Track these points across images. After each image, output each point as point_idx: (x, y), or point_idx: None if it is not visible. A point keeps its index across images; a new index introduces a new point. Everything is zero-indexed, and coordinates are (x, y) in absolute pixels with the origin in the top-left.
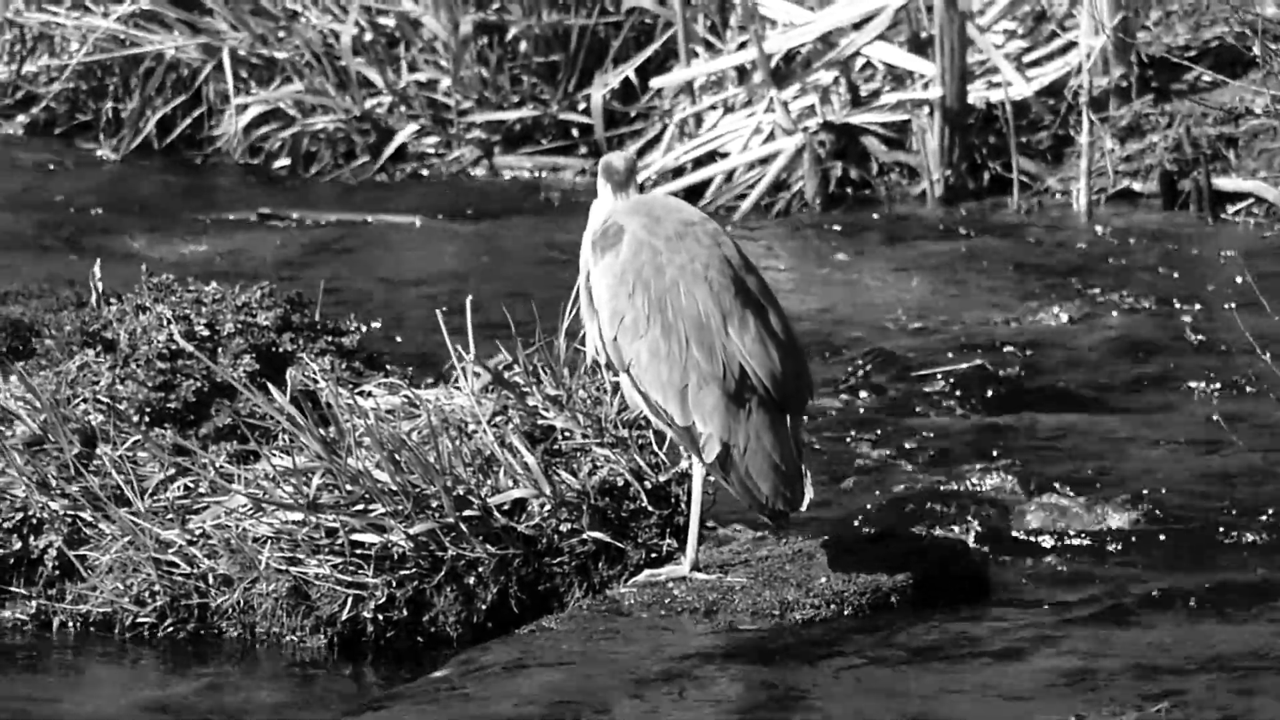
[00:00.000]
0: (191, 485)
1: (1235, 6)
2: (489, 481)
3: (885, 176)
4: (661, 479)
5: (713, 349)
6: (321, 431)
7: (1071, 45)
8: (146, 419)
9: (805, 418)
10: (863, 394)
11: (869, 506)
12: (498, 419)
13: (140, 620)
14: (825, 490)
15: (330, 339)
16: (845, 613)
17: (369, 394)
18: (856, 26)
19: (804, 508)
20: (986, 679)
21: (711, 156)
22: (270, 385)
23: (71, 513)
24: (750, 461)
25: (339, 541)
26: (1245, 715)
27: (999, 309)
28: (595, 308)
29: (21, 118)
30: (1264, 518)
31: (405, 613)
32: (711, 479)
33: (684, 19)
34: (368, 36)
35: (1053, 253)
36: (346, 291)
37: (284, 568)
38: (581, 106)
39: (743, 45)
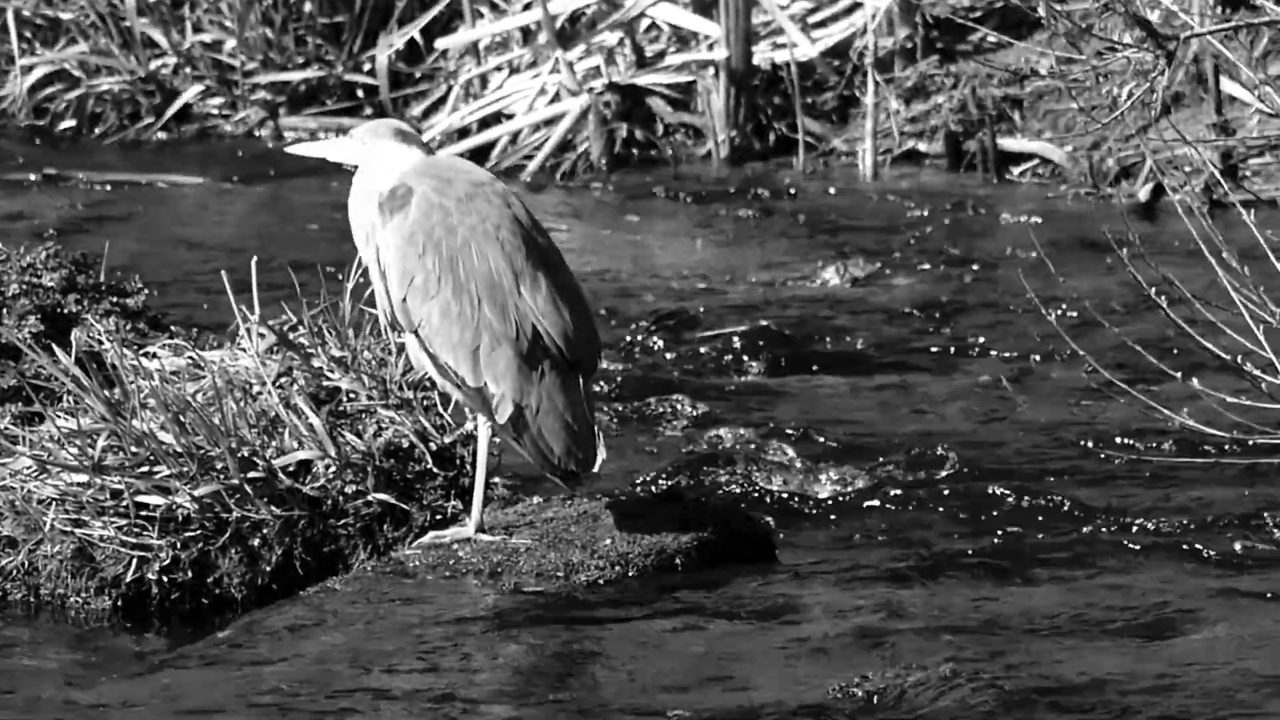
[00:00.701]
0: None
1: None
2: (274, 443)
3: (671, 137)
4: (447, 440)
5: (505, 309)
6: (106, 393)
7: (857, 6)
8: None
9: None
10: (648, 355)
11: (654, 468)
12: (283, 380)
13: None
14: (611, 452)
15: (115, 300)
16: (630, 574)
17: (154, 355)
18: None
19: (596, 468)
20: (771, 640)
21: (497, 117)
22: (55, 346)
23: None
24: (543, 422)
25: (124, 503)
26: (1023, 673)
27: (784, 269)
28: (383, 269)
29: None
30: (1046, 479)
31: (190, 574)
32: (498, 440)
33: None
34: None
35: (838, 213)
36: (132, 253)
37: (69, 529)
38: (367, 67)
39: (528, 6)
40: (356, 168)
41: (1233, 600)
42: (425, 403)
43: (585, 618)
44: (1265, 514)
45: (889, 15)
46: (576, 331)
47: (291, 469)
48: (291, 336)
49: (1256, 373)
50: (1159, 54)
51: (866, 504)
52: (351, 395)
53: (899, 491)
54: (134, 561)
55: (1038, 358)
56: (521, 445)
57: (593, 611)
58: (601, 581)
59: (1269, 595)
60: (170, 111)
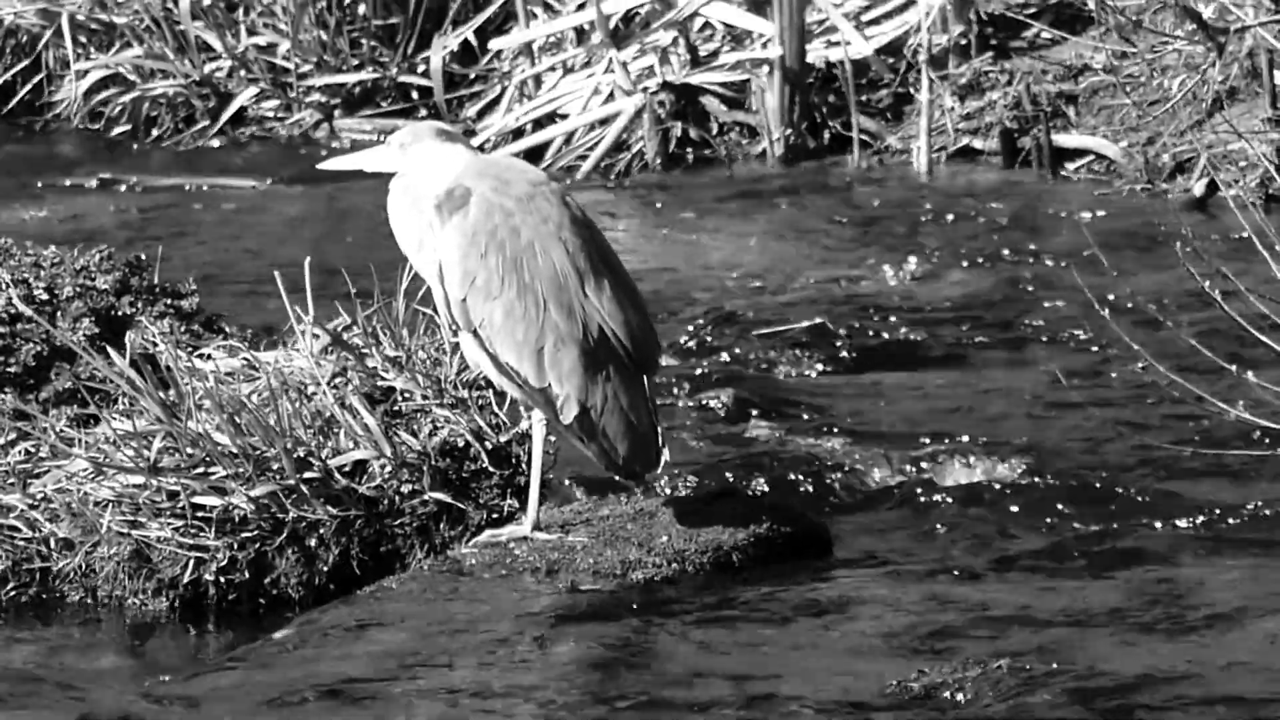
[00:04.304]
0: (32, 449)
1: None
2: (329, 443)
3: (725, 136)
4: (502, 439)
5: (571, 309)
6: (161, 394)
7: (910, 3)
8: None
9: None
10: (705, 354)
11: (711, 465)
12: (337, 380)
13: None
14: (669, 450)
15: (169, 302)
16: (687, 571)
17: (208, 357)
18: None
19: (660, 468)
20: (829, 637)
21: (551, 118)
22: (110, 349)
23: None
24: (607, 423)
25: (180, 504)
26: (1080, 669)
27: (840, 267)
28: (441, 270)
29: None
30: (1102, 474)
31: (247, 575)
32: (553, 439)
33: None
34: (206, 1)
35: (893, 211)
36: (187, 256)
37: (125, 531)
38: (421, 69)
39: (581, 6)
40: (394, 174)
41: None
42: (480, 402)
43: (642, 615)
44: None
45: (942, 12)
46: (640, 331)
47: (347, 469)
48: (346, 337)
49: None
50: (1210, 47)
51: (923, 500)
52: (406, 395)
53: (956, 486)
54: (191, 562)
55: (1093, 353)
56: (587, 446)
57: (649, 609)
58: (658, 579)
59: None
60: (226, 115)
